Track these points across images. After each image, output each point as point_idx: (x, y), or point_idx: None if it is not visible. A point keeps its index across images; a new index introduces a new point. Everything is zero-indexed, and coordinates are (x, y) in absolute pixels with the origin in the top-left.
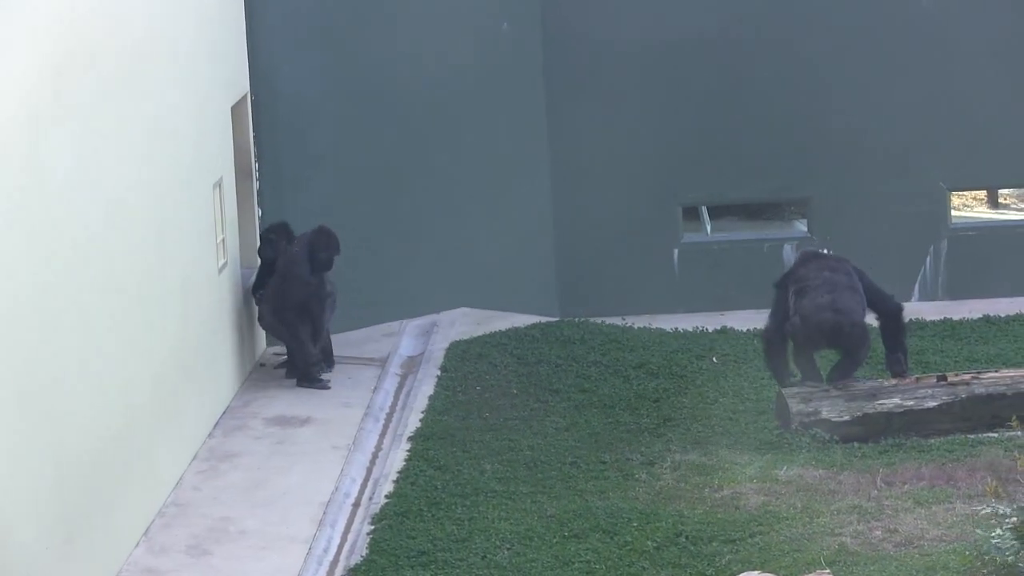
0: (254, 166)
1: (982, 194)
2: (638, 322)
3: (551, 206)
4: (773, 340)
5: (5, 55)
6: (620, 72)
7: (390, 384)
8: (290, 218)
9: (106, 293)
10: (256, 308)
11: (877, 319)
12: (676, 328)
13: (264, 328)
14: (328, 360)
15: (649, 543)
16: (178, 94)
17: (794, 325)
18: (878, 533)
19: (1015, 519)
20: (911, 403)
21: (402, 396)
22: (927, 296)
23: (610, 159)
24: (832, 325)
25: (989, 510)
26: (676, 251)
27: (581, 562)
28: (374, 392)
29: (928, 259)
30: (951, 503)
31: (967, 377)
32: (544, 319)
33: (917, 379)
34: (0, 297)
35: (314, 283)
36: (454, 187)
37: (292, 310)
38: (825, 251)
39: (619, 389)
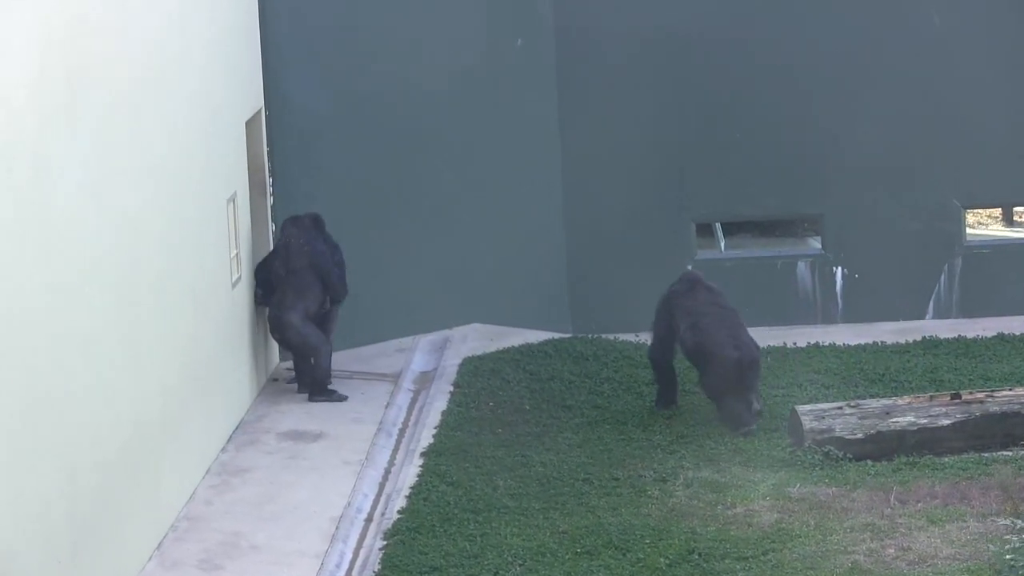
0: (268, 181)
1: (997, 212)
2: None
3: (563, 222)
4: (660, 361)
5: (15, 65)
6: (633, 88)
7: (403, 399)
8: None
9: (117, 306)
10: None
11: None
12: None
13: (289, 336)
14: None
15: (661, 560)
16: (192, 108)
17: (728, 359)
18: (891, 551)
19: None
20: (925, 421)
21: (415, 411)
22: (941, 314)
23: (623, 175)
24: (750, 362)
25: (1003, 529)
26: (690, 267)
27: None
28: (387, 407)
29: (942, 277)
30: (965, 521)
31: (981, 395)
32: (557, 335)
33: (931, 397)
34: (9, 309)
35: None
36: (466, 202)
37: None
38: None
39: (632, 406)
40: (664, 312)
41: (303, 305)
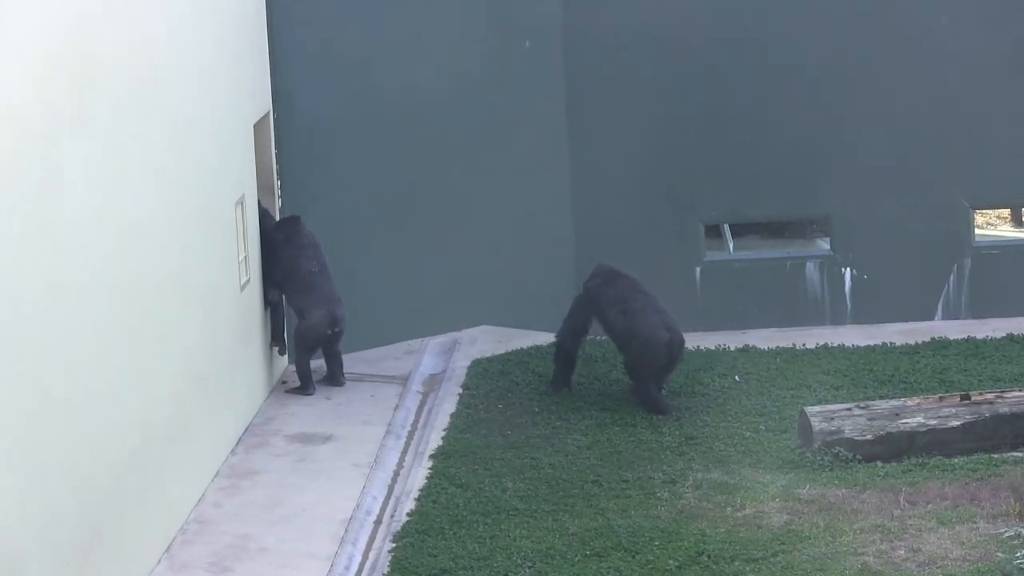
0: (276, 183)
1: (1006, 212)
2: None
3: (572, 223)
4: (570, 350)
5: (22, 68)
6: (642, 90)
7: (411, 402)
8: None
9: (124, 310)
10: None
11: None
12: (698, 346)
13: (341, 328)
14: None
15: (671, 562)
16: (199, 111)
17: (660, 340)
18: (901, 553)
19: None
20: (934, 422)
21: (424, 414)
22: (950, 315)
23: (632, 177)
24: (679, 344)
25: (1012, 531)
26: (698, 269)
27: None
28: (395, 410)
29: (951, 277)
30: (975, 523)
31: (991, 396)
32: None
33: (940, 398)
34: (16, 313)
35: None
36: (474, 204)
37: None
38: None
39: (641, 408)
40: (585, 304)
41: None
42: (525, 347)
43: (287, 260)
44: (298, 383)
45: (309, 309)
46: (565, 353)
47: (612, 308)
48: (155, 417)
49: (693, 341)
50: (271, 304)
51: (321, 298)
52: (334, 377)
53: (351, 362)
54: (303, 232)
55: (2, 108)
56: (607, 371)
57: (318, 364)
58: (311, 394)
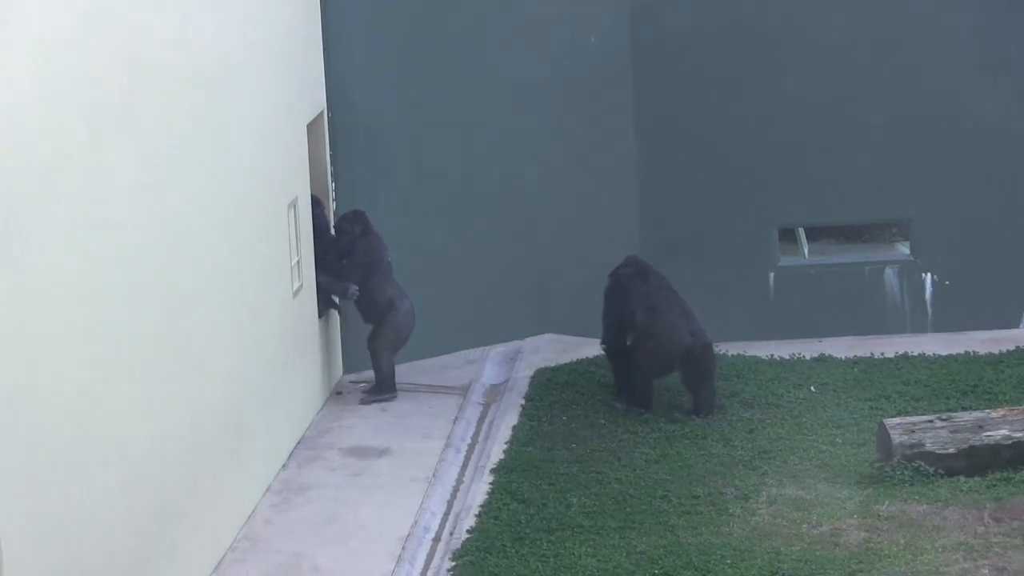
0: (330, 185)
1: None
2: (732, 349)
3: (639, 228)
4: (623, 350)
5: (70, 72)
6: (712, 88)
7: (472, 413)
8: None
9: (172, 317)
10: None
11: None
12: (772, 355)
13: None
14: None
15: None
16: (251, 111)
17: (668, 345)
18: (985, 572)
19: None
20: (1020, 435)
21: (485, 426)
22: None
23: (702, 179)
24: (704, 349)
25: None
26: (772, 275)
27: None
28: (455, 422)
29: None
30: None
31: None
32: None
33: None
34: (61, 319)
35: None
36: (538, 207)
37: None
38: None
39: (712, 419)
40: (616, 297)
41: None
42: (591, 356)
43: (369, 252)
44: (373, 385)
45: (400, 299)
46: (614, 356)
47: (640, 303)
48: (205, 429)
49: (766, 350)
50: (348, 299)
51: (402, 291)
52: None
53: (409, 372)
54: (372, 224)
55: (48, 107)
56: (676, 382)
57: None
58: (395, 396)
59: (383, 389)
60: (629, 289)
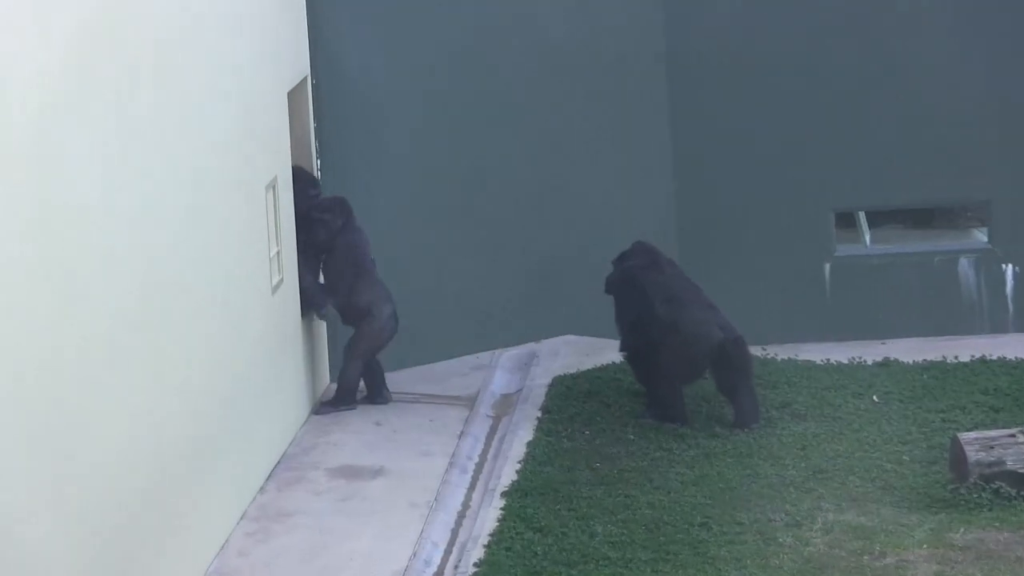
0: (315, 163)
1: None
2: (781, 352)
3: (674, 215)
4: (640, 361)
5: (13, 35)
6: (754, 54)
7: (480, 428)
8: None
9: (128, 318)
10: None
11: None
12: (828, 360)
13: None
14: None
15: None
16: (220, 77)
17: (698, 340)
18: None
19: None
20: None
21: (495, 442)
22: None
23: (745, 158)
24: (736, 344)
25: None
26: (828, 266)
27: None
28: (460, 437)
29: None
30: None
31: None
32: None
33: None
34: (7, 325)
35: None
36: (556, 192)
37: None
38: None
39: (759, 434)
40: (629, 292)
41: None
42: (617, 361)
43: (350, 248)
44: (334, 396)
45: (378, 306)
46: (643, 361)
47: (657, 295)
48: (168, 447)
49: (822, 353)
50: (325, 304)
51: (384, 293)
52: (379, 393)
53: (408, 380)
54: (355, 217)
55: None
56: (716, 390)
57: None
58: (354, 408)
59: (343, 399)
60: (642, 281)
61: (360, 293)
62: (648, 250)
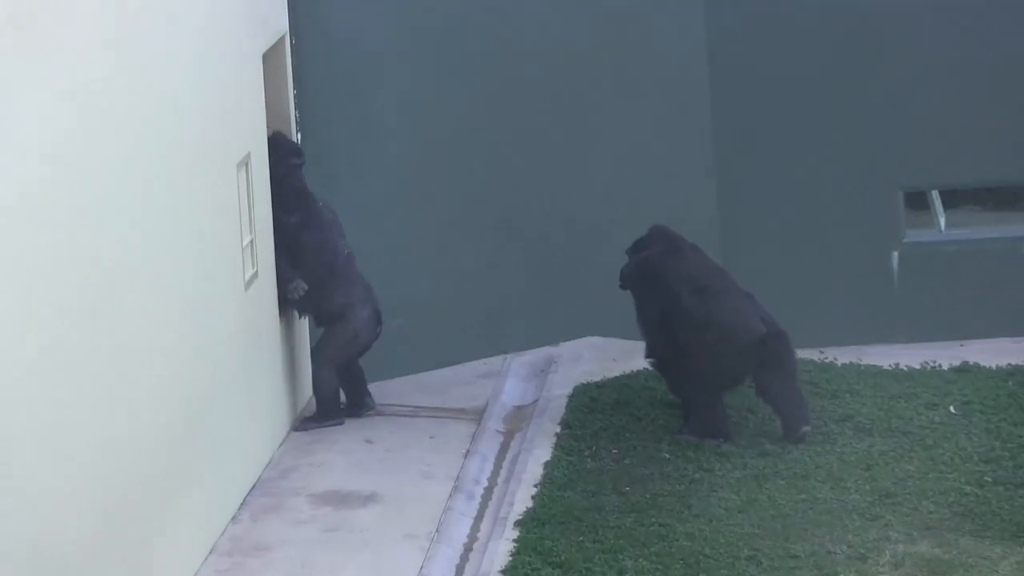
0: (295, 136)
1: None
2: (842, 356)
3: (716, 198)
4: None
5: None
6: (810, 9)
7: (489, 446)
8: (344, 208)
9: (76, 321)
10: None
11: None
12: (896, 364)
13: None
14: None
15: None
16: (184, 37)
17: (740, 335)
18: None
19: None
20: None
21: (506, 463)
22: None
23: (797, 131)
24: (780, 339)
25: None
26: (895, 255)
27: None
28: (466, 457)
29: None
30: None
31: None
32: None
33: None
34: None
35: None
36: (577, 171)
37: None
38: None
39: (815, 452)
40: (651, 286)
41: None
42: (649, 366)
43: (317, 245)
44: (315, 411)
45: (353, 308)
46: (675, 368)
47: (684, 286)
48: (126, 472)
49: (889, 356)
50: (294, 278)
51: (364, 293)
52: (362, 402)
53: (404, 390)
54: (319, 204)
55: None
56: (764, 400)
57: None
58: (341, 423)
59: (326, 414)
60: (664, 271)
61: (333, 295)
62: (667, 234)
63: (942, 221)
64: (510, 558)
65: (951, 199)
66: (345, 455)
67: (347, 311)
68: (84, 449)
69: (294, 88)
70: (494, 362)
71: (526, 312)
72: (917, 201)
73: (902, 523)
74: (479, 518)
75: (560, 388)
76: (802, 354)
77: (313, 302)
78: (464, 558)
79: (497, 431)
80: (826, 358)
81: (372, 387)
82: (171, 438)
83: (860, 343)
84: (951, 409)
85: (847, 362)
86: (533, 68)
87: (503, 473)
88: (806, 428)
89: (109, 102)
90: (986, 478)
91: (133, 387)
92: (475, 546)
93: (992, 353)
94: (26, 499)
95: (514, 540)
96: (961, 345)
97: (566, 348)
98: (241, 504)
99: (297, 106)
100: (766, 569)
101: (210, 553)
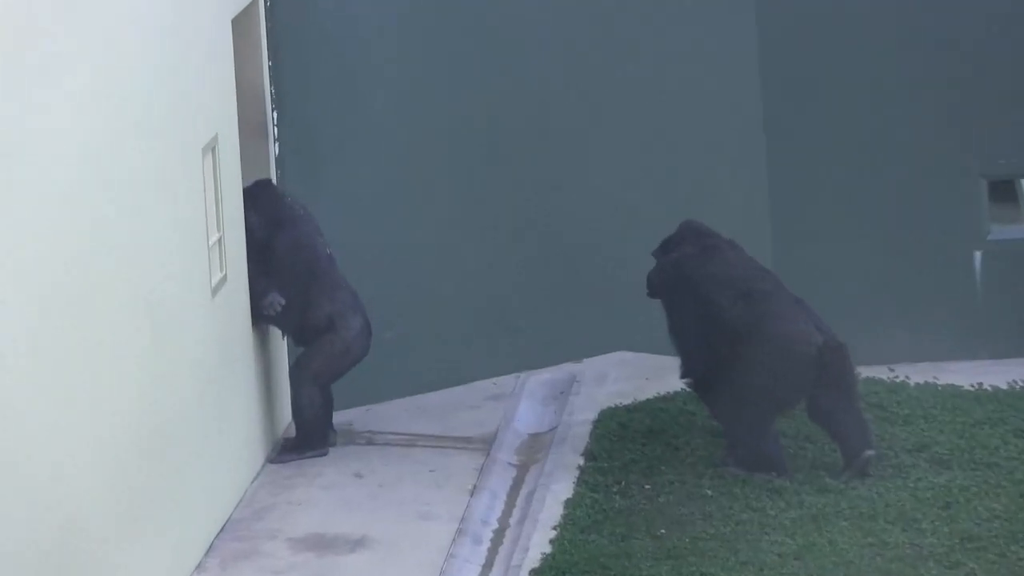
0: (271, 116)
1: None
2: (915, 375)
3: (765, 189)
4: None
5: None
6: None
7: (499, 481)
8: (329, 201)
9: (19, 334)
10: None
11: None
12: (979, 385)
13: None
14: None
15: None
16: (141, 3)
17: (795, 345)
18: None
19: None
20: None
21: (520, 501)
22: None
23: (859, 112)
24: (837, 351)
25: None
26: (978, 255)
27: None
28: (473, 494)
29: None
30: None
31: None
32: None
33: None
34: None
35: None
36: (605, 162)
37: None
38: None
39: (884, 488)
40: (682, 290)
41: None
42: (686, 387)
43: (292, 249)
44: (295, 439)
45: (343, 317)
46: (715, 390)
47: (724, 291)
48: (72, 511)
49: (970, 375)
50: (269, 291)
51: (353, 299)
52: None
53: (399, 415)
54: (289, 201)
55: None
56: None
57: None
58: (325, 453)
59: (307, 442)
60: (700, 274)
61: (316, 304)
62: (701, 231)
63: None
64: None
65: None
66: (330, 491)
67: (336, 320)
68: (26, 488)
69: (269, 59)
70: (505, 382)
71: (542, 322)
72: (1003, 192)
73: (986, 571)
74: (488, 566)
75: (583, 412)
76: (867, 372)
77: (294, 315)
78: None
79: (509, 463)
80: (896, 377)
81: (360, 411)
82: (125, 472)
83: (936, 359)
84: None
85: (921, 382)
86: (555, 37)
87: (516, 513)
88: (870, 453)
89: (51, 78)
90: None
91: (82, 414)
92: None
93: None
94: None
95: None
96: None
97: (590, 365)
98: (208, 550)
99: (272, 80)
100: None
101: None
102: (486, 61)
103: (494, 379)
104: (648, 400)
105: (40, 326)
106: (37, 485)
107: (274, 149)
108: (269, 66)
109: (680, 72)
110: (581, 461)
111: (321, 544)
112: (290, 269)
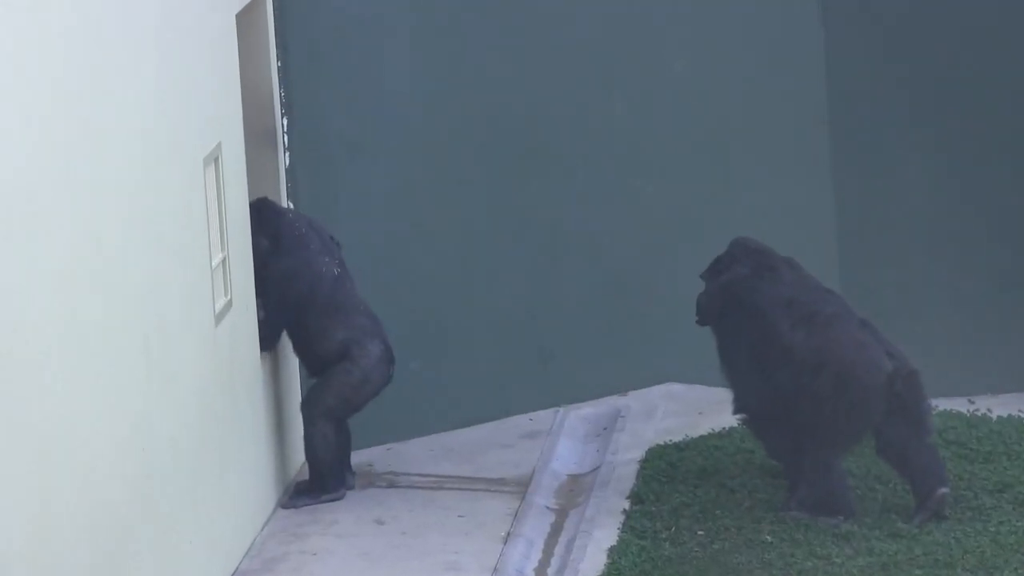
0: (280, 123)
1: None
2: (997, 407)
3: (832, 201)
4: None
5: None
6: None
7: (536, 527)
8: (344, 216)
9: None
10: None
11: None
12: None
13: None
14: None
15: None
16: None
17: (865, 374)
18: None
19: None
20: None
21: (558, 550)
22: None
23: (939, 104)
24: (910, 378)
25: None
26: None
27: None
28: (506, 542)
29: None
30: None
31: None
32: None
33: None
34: None
35: None
36: (654, 171)
37: None
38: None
39: (962, 532)
40: (735, 315)
41: None
42: (740, 423)
43: (296, 275)
44: (308, 481)
45: (359, 343)
46: (773, 425)
47: (783, 315)
48: (54, 558)
49: None
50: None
51: (371, 323)
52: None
53: (424, 455)
54: (290, 219)
55: None
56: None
57: None
58: (341, 497)
59: (321, 484)
60: (754, 297)
61: (329, 328)
62: (754, 249)
63: None
64: None
65: None
66: (347, 540)
67: (351, 347)
68: (25, 530)
69: (277, 59)
70: (542, 417)
71: (584, 351)
72: None
73: None
74: None
75: (629, 451)
76: (943, 404)
77: (301, 340)
78: None
79: (546, 508)
80: (977, 410)
81: (381, 451)
82: (117, 518)
83: (1021, 391)
84: None
85: (1004, 415)
86: (592, 33)
87: (554, 563)
88: (943, 491)
89: (41, 93)
90: None
91: (70, 454)
92: None
93: None
94: None
95: None
96: None
97: (636, 398)
98: None
99: (281, 83)
100: None
101: None
102: (515, 59)
103: (529, 414)
104: (701, 437)
105: (17, 366)
106: (21, 530)
107: (284, 159)
108: (278, 67)
109: (737, 70)
110: (626, 505)
111: None
112: (294, 294)
